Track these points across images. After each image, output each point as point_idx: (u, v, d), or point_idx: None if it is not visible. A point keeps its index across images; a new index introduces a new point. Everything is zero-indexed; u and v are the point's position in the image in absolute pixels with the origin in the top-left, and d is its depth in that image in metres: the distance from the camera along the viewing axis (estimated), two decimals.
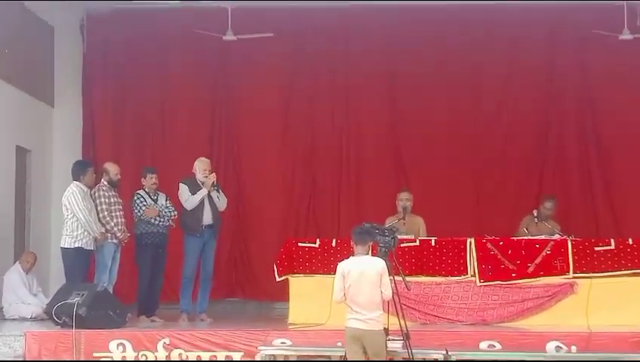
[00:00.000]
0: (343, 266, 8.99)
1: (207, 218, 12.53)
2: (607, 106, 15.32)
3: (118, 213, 12.26)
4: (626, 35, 14.33)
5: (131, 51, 15.57)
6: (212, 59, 15.59)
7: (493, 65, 15.42)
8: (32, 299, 12.95)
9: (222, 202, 12.74)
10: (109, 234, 12.12)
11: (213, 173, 12.67)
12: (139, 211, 12.38)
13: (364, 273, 8.87)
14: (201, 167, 12.63)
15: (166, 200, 12.60)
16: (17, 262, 13.23)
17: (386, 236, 9.40)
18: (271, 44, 14.94)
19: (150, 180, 12.52)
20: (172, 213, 12.53)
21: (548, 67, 15.45)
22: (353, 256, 9.06)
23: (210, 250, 12.70)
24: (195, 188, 12.49)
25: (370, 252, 9.19)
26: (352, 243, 9.14)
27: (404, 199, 12.94)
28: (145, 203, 12.40)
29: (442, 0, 14.75)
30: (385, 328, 9.16)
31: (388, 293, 8.93)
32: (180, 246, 12.74)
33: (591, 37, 14.82)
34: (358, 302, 8.82)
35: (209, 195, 12.49)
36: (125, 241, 12.39)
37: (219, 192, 12.66)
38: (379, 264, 8.94)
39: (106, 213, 12.13)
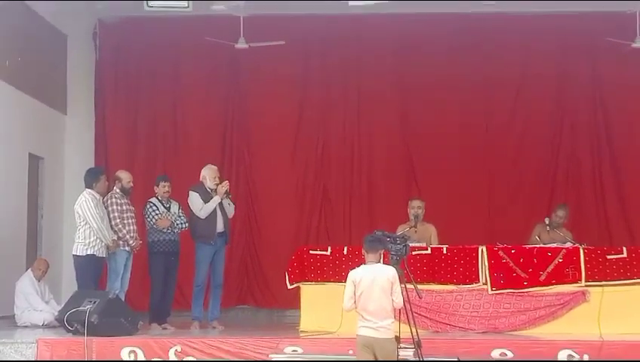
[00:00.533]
0: (354, 274, 8.98)
1: (220, 225, 12.54)
2: (619, 115, 15.32)
3: (130, 221, 12.27)
4: (639, 43, 14.30)
5: (144, 59, 15.63)
6: (224, 67, 15.63)
7: (505, 74, 15.42)
8: (44, 306, 12.96)
9: (231, 209, 12.76)
10: (121, 242, 12.13)
11: (226, 181, 12.67)
12: (151, 220, 12.39)
13: (375, 281, 8.85)
14: (211, 175, 12.62)
15: (179, 208, 12.61)
16: (29, 270, 13.24)
17: (398, 244, 9.38)
18: (283, 52, 14.96)
19: (163, 188, 12.54)
20: (184, 224, 12.53)
21: (560, 76, 15.45)
22: (364, 264, 9.05)
23: (220, 257, 12.70)
24: (204, 195, 12.50)
25: (381, 260, 9.17)
26: (363, 251, 9.13)
27: (416, 207, 12.91)
28: (157, 211, 12.42)
29: (453, 10, 14.73)
30: (396, 336, 9.14)
31: (399, 301, 8.91)
32: (191, 254, 12.73)
33: (603, 45, 14.81)
34: (369, 310, 8.81)
35: (220, 203, 12.50)
36: (137, 249, 12.40)
37: (229, 199, 12.68)
38: (390, 272, 8.93)
39: (118, 220, 12.15)
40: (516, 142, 15.49)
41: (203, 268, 12.56)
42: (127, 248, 12.23)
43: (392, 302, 8.87)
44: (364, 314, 8.84)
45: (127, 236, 12.17)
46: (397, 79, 15.58)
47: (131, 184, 12.42)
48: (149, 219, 12.43)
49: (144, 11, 13.21)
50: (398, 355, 9.11)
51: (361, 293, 8.85)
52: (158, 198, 12.55)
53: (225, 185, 12.52)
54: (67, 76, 15.59)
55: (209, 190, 12.55)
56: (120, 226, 12.13)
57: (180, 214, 12.56)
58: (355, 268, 9.13)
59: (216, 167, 12.84)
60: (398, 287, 8.91)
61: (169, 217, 12.44)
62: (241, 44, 14.50)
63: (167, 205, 12.54)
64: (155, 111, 15.68)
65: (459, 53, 15.29)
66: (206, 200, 12.42)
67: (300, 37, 15.27)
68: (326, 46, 15.66)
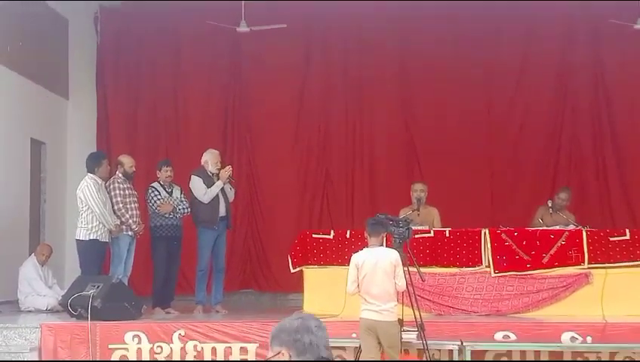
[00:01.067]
0: (356, 257, 8.99)
1: (222, 210, 12.55)
2: (621, 97, 15.30)
3: (133, 205, 12.28)
4: None
5: (145, 43, 15.62)
6: (225, 52, 15.60)
7: (507, 57, 15.40)
8: (48, 291, 12.98)
9: (232, 193, 12.77)
10: (124, 227, 12.14)
11: (229, 166, 12.67)
12: (153, 204, 12.39)
13: (377, 264, 8.87)
14: (213, 160, 12.62)
15: (181, 193, 12.61)
16: (32, 254, 13.26)
17: (400, 227, 9.40)
18: (284, 36, 14.89)
19: (165, 173, 12.53)
20: (186, 209, 12.53)
21: (562, 59, 15.41)
22: (367, 247, 9.05)
23: (222, 242, 12.72)
24: (206, 179, 12.50)
25: (384, 243, 9.19)
26: (365, 234, 9.14)
27: (419, 190, 12.89)
28: (159, 196, 12.41)
29: None
30: (399, 319, 9.16)
31: (402, 284, 8.93)
32: (193, 239, 12.74)
33: (605, 27, 14.77)
34: (372, 293, 8.82)
35: (222, 187, 12.50)
36: (140, 233, 12.41)
37: (231, 184, 12.69)
38: (392, 255, 8.94)
39: (121, 205, 12.15)
40: (518, 125, 15.47)
41: (205, 252, 12.56)
42: (130, 233, 12.24)
43: (395, 285, 8.88)
44: (367, 297, 8.86)
45: (130, 221, 12.18)
46: (399, 63, 15.55)
47: (134, 168, 12.43)
48: (151, 204, 12.43)
49: None
50: (401, 338, 9.13)
51: (364, 276, 8.87)
52: (160, 183, 12.54)
53: (228, 170, 12.52)
54: (69, 61, 15.57)
55: (211, 174, 12.54)
56: (123, 211, 12.14)
57: (182, 199, 12.56)
58: (357, 251, 9.14)
59: (218, 152, 12.84)
60: (400, 270, 8.93)
61: (171, 202, 12.44)
62: (243, 28, 14.45)
63: (169, 190, 12.54)
64: (156, 95, 15.67)
65: (461, 38, 15.26)
66: (208, 185, 12.43)
67: (301, 21, 15.23)
68: (327, 30, 15.64)
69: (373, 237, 9.00)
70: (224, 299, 12.89)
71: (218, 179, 12.52)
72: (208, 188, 12.42)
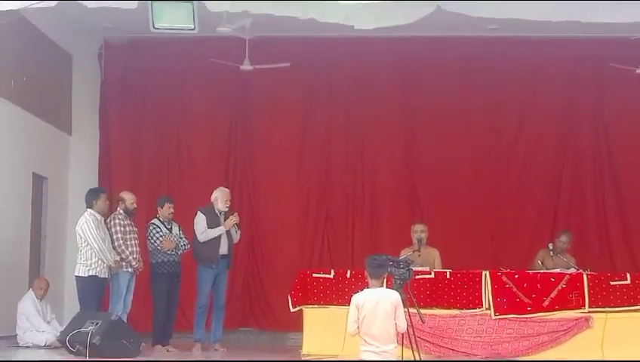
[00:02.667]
0: (357, 298, 8.96)
1: (224, 248, 12.56)
2: (622, 141, 15.32)
3: (133, 242, 12.28)
4: None
5: (149, 80, 15.66)
6: (229, 89, 15.63)
7: (509, 99, 15.46)
8: (46, 326, 12.93)
9: (237, 236, 12.79)
10: (123, 263, 12.12)
11: (236, 214, 12.65)
12: (155, 241, 12.38)
13: (378, 305, 8.84)
14: (223, 198, 12.68)
15: (179, 229, 12.62)
16: (30, 290, 13.21)
17: (401, 268, 9.37)
18: (287, 74, 14.95)
19: (168, 210, 12.54)
20: (187, 246, 12.55)
21: (564, 102, 15.43)
22: (368, 287, 9.03)
23: (222, 280, 12.73)
24: (212, 218, 12.52)
25: (384, 284, 9.16)
26: (366, 274, 9.12)
27: (419, 231, 12.90)
28: (161, 232, 12.42)
29: (459, 34, 14.71)
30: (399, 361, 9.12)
31: (402, 325, 8.90)
32: (193, 275, 12.74)
33: (608, 71, 14.80)
34: (372, 335, 8.79)
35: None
36: (140, 270, 12.39)
37: (237, 227, 12.70)
38: (393, 296, 8.92)
39: (121, 241, 12.15)
40: (520, 167, 15.48)
41: (204, 290, 12.56)
42: (129, 269, 12.23)
43: (396, 326, 8.85)
44: (367, 338, 8.82)
45: (130, 257, 12.17)
46: (401, 103, 15.59)
47: (135, 205, 12.43)
48: (152, 241, 12.42)
49: (150, 32, 13.20)
50: None
51: (364, 317, 8.84)
52: (159, 219, 12.54)
53: (234, 218, 12.54)
54: (72, 96, 15.60)
55: (218, 213, 12.56)
56: (123, 247, 12.13)
57: (182, 236, 12.57)
58: (358, 291, 9.12)
59: (228, 191, 12.91)
60: (401, 311, 8.90)
61: (172, 238, 12.43)
62: (246, 66, 14.51)
63: (169, 226, 12.54)
64: (159, 132, 15.69)
65: (464, 78, 15.31)
66: (212, 223, 12.45)
67: (305, 59, 15.30)
68: (331, 68, 15.68)
69: (374, 279, 8.99)
70: (223, 337, 12.84)
71: (225, 218, 12.53)
72: (211, 226, 12.42)
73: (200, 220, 12.52)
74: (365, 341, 8.84)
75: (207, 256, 12.45)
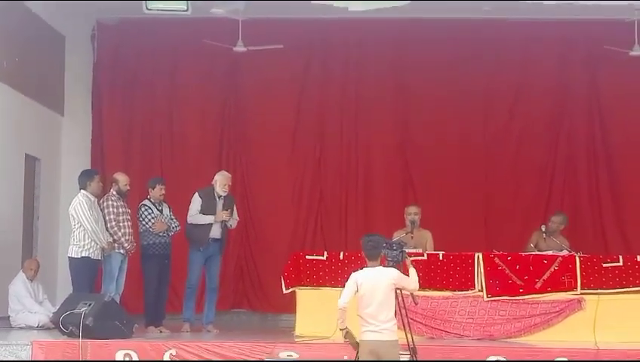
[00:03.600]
0: (357, 275, 8.99)
1: (216, 232, 12.57)
2: (616, 123, 15.37)
3: (126, 223, 12.26)
4: (637, 52, 14.32)
5: (141, 61, 15.64)
6: (222, 70, 15.62)
7: (503, 81, 15.49)
8: (38, 307, 12.93)
9: (232, 222, 12.80)
10: (116, 244, 12.11)
11: (227, 213, 12.60)
12: (147, 223, 12.37)
13: (378, 283, 8.87)
14: (222, 181, 12.70)
15: (170, 211, 12.61)
16: (21, 271, 13.19)
17: (394, 250, 9.37)
18: (281, 56, 14.96)
19: (159, 191, 12.52)
20: (178, 227, 12.56)
21: (558, 83, 15.48)
22: (367, 266, 9.06)
23: (215, 262, 12.75)
24: (209, 200, 12.56)
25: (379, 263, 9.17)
26: (363, 254, 9.14)
27: (412, 213, 12.92)
28: (152, 214, 12.40)
29: (453, 16, 14.72)
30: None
31: (414, 286, 8.98)
32: (185, 256, 12.76)
33: (601, 53, 14.85)
34: (371, 313, 8.82)
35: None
36: (132, 252, 12.39)
37: (234, 217, 12.71)
38: (392, 273, 8.96)
39: (114, 222, 12.13)
40: (513, 149, 15.51)
41: (194, 270, 12.62)
42: (121, 251, 12.21)
43: (396, 304, 8.89)
44: (366, 317, 8.84)
45: (123, 239, 12.15)
46: (395, 84, 15.60)
47: (128, 187, 12.40)
48: (144, 223, 12.40)
49: (143, 13, 13.20)
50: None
51: (363, 295, 8.86)
52: (151, 201, 12.53)
53: (224, 216, 12.50)
54: (65, 77, 15.56)
55: (217, 196, 12.58)
56: (115, 229, 12.11)
57: (172, 217, 12.57)
58: (357, 269, 9.14)
59: (228, 175, 12.88)
60: (405, 280, 8.94)
61: (164, 220, 12.43)
62: (239, 48, 14.49)
63: (160, 208, 12.53)
64: (152, 113, 15.69)
65: (457, 60, 15.31)
66: (207, 206, 12.49)
67: (298, 41, 15.28)
68: (324, 50, 15.68)
69: (371, 260, 9.01)
70: (215, 319, 12.86)
71: (225, 203, 12.58)
72: (206, 209, 12.44)
73: (194, 202, 12.55)
74: (365, 320, 8.87)
75: (197, 239, 12.50)
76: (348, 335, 8.77)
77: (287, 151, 15.68)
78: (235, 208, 12.92)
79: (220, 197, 12.65)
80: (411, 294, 9.48)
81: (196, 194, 12.66)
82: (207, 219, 12.52)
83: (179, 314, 13.09)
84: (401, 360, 9.09)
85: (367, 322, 8.82)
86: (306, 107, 15.70)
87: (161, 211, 12.51)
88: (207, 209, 12.56)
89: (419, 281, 9.07)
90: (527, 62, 15.49)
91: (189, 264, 12.66)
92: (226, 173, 12.98)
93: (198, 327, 12.64)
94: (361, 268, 9.08)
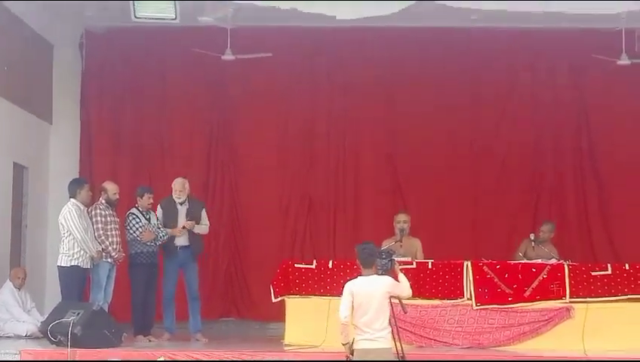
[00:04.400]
0: (351, 285, 9.00)
1: (182, 240, 12.55)
2: (604, 131, 15.40)
3: (114, 233, 12.22)
4: (624, 61, 14.39)
5: (130, 69, 15.61)
6: (211, 78, 15.61)
7: (491, 89, 15.52)
8: (26, 316, 12.88)
9: (203, 228, 12.79)
10: (104, 254, 12.08)
11: (180, 230, 12.52)
12: (134, 232, 12.34)
13: (373, 292, 8.88)
14: (176, 188, 12.75)
15: (157, 219, 12.60)
16: (8, 280, 13.14)
17: (384, 258, 9.38)
18: (269, 64, 14.98)
19: (147, 200, 12.49)
20: (165, 236, 12.52)
21: (546, 92, 15.51)
22: (361, 276, 9.07)
23: (191, 271, 12.73)
24: (170, 208, 12.61)
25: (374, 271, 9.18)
26: (357, 262, 9.15)
27: (402, 221, 12.91)
28: (140, 223, 12.37)
29: (440, 24, 14.75)
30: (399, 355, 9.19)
31: (407, 293, 9.00)
32: None
33: (589, 62, 14.89)
34: (366, 322, 8.83)
35: (185, 217, 12.59)
36: (120, 261, 12.36)
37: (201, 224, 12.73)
38: (386, 281, 8.98)
39: (101, 231, 12.10)
40: (501, 158, 15.53)
41: (168, 280, 12.69)
42: (109, 260, 12.17)
43: (390, 311, 8.90)
44: (361, 326, 8.85)
45: (110, 248, 12.12)
46: (384, 92, 15.60)
47: (117, 196, 12.38)
48: (131, 231, 12.37)
49: (131, 22, 13.20)
50: None
51: (360, 304, 8.88)
52: (138, 209, 12.50)
53: (179, 232, 12.48)
54: (53, 85, 15.52)
55: (178, 203, 12.62)
56: (103, 238, 12.08)
57: (159, 226, 12.54)
58: (350, 279, 9.15)
59: (182, 180, 12.81)
60: (398, 287, 8.96)
61: (151, 229, 12.40)
62: (228, 56, 14.50)
63: (147, 216, 12.51)
64: (140, 121, 15.66)
65: (445, 69, 15.33)
66: (168, 215, 12.57)
67: (287, 49, 15.27)
68: (313, 58, 15.68)
69: (365, 268, 9.02)
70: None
71: (189, 208, 12.64)
72: (167, 217, 12.52)
73: (158, 213, 12.64)
74: (360, 329, 8.88)
75: (166, 247, 12.53)
76: (350, 348, 8.79)
77: (275, 159, 15.66)
78: (204, 213, 12.88)
79: (181, 204, 12.63)
80: (400, 302, 9.48)
81: (159, 204, 12.66)
82: (165, 233, 12.52)
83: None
84: None
85: (363, 331, 8.84)
86: (295, 115, 15.69)
87: (148, 220, 12.48)
88: (168, 217, 12.58)
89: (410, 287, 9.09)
90: (514, 71, 15.53)
91: (163, 274, 12.69)
92: (180, 178, 12.89)
93: (187, 337, 12.61)
94: (355, 278, 9.09)
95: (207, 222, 12.96)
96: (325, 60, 15.62)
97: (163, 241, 12.53)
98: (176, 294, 12.81)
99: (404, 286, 9.04)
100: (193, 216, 12.65)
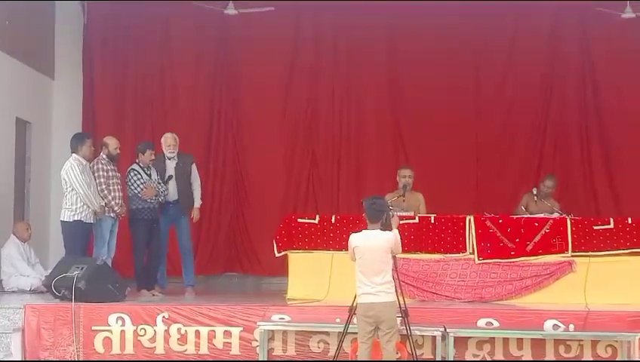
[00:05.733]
0: (354, 239, 9.06)
1: (171, 194, 12.60)
2: (608, 85, 15.33)
3: (116, 187, 12.22)
4: (629, 14, 14.31)
5: (132, 24, 15.54)
6: (213, 32, 15.54)
7: (495, 42, 15.41)
8: (31, 271, 12.95)
9: (197, 199, 12.84)
10: (106, 208, 12.09)
11: (151, 191, 12.41)
12: (136, 188, 12.33)
13: (375, 245, 8.94)
14: (164, 143, 12.73)
15: (157, 175, 12.58)
16: (12, 234, 13.18)
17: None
18: (272, 18, 14.92)
19: (149, 156, 12.46)
20: (165, 191, 12.53)
21: (550, 45, 15.42)
22: (366, 229, 9.11)
23: (183, 225, 12.76)
24: (159, 163, 12.58)
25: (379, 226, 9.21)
26: (364, 216, 9.18)
27: (407, 176, 12.87)
28: (142, 179, 12.35)
29: None
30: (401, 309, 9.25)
31: (400, 250, 9.09)
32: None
33: (593, 15, 14.81)
34: (368, 275, 8.89)
35: (174, 171, 12.58)
36: (123, 215, 12.37)
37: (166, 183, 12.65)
38: (389, 235, 9.02)
39: (104, 186, 12.09)
40: (505, 111, 15.48)
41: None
42: (112, 214, 12.19)
43: (393, 261, 8.97)
44: (363, 279, 8.91)
45: (113, 202, 12.12)
46: (387, 46, 15.53)
47: (118, 150, 12.36)
48: (132, 187, 12.36)
49: None
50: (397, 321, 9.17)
51: (361, 257, 8.94)
52: (139, 165, 12.47)
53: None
54: (55, 41, 15.49)
55: (166, 158, 12.63)
56: (105, 192, 12.08)
57: (160, 181, 12.53)
58: (356, 232, 9.19)
59: (172, 135, 12.80)
60: (398, 243, 9.01)
61: (152, 185, 12.39)
62: (230, 10, 14.44)
63: (149, 172, 12.49)
64: (143, 76, 15.61)
65: (449, 20, 15.21)
66: (158, 169, 12.51)
67: (289, 3, 15.17)
68: (316, 12, 15.58)
69: (372, 223, 9.06)
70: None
71: (178, 163, 12.66)
72: (157, 172, 12.49)
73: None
74: (362, 282, 8.93)
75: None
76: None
77: (278, 114, 15.62)
78: (194, 168, 12.88)
79: (170, 159, 12.63)
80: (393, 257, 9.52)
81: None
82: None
83: (171, 277, 13.16)
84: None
85: (364, 284, 8.91)
86: (298, 69, 15.63)
87: (149, 176, 12.47)
88: (158, 171, 12.57)
89: (402, 243, 9.17)
90: (519, 25, 15.42)
91: None
92: (170, 133, 12.86)
93: (182, 290, 12.69)
94: (359, 231, 9.15)
95: (198, 179, 12.95)
96: (328, 14, 15.50)
97: (164, 196, 12.53)
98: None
99: (399, 243, 9.10)
100: (183, 172, 12.64)
